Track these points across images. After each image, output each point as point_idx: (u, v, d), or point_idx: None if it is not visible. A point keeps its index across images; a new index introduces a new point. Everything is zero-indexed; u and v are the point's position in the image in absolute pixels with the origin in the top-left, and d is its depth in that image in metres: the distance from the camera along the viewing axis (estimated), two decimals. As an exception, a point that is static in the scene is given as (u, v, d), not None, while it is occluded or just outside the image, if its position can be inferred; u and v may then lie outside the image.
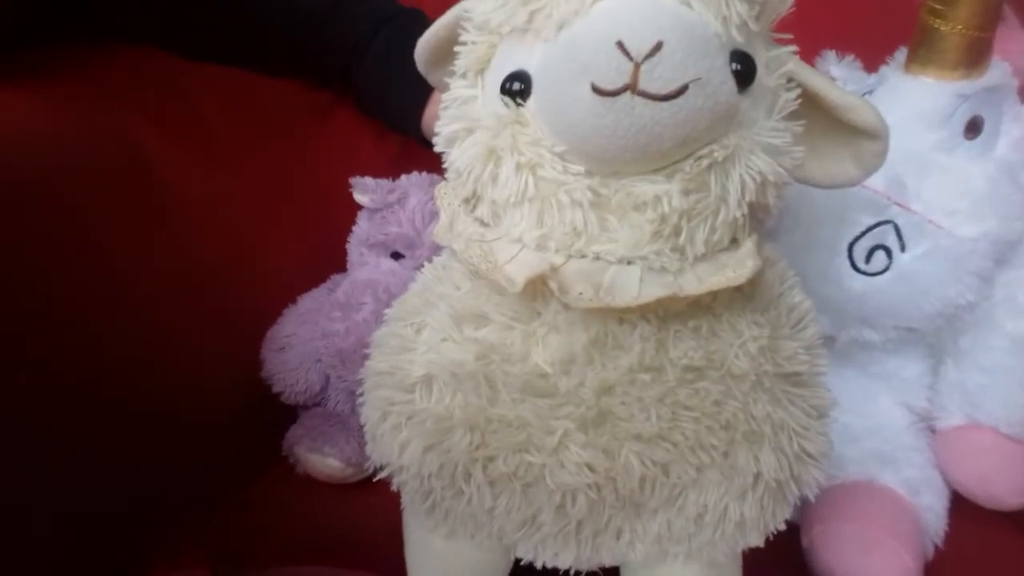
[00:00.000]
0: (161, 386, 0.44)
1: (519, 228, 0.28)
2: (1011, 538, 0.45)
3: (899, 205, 0.41)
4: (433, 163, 0.61)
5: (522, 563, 0.34)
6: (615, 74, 0.24)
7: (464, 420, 0.30)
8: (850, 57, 0.46)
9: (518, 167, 0.27)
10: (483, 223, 0.30)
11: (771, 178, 0.27)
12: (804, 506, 0.42)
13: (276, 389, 0.53)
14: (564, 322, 0.28)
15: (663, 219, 0.26)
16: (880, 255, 0.42)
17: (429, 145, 0.70)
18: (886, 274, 0.42)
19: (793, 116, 0.29)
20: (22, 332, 0.37)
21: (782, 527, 0.32)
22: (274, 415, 0.53)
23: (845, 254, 0.42)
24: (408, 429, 0.31)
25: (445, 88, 0.32)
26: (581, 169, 0.27)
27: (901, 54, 0.44)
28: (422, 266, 0.53)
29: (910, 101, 0.42)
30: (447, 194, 0.32)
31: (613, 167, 0.26)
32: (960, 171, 0.42)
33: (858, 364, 0.48)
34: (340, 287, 0.53)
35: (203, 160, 0.52)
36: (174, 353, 0.46)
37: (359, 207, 0.55)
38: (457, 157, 0.30)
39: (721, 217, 0.27)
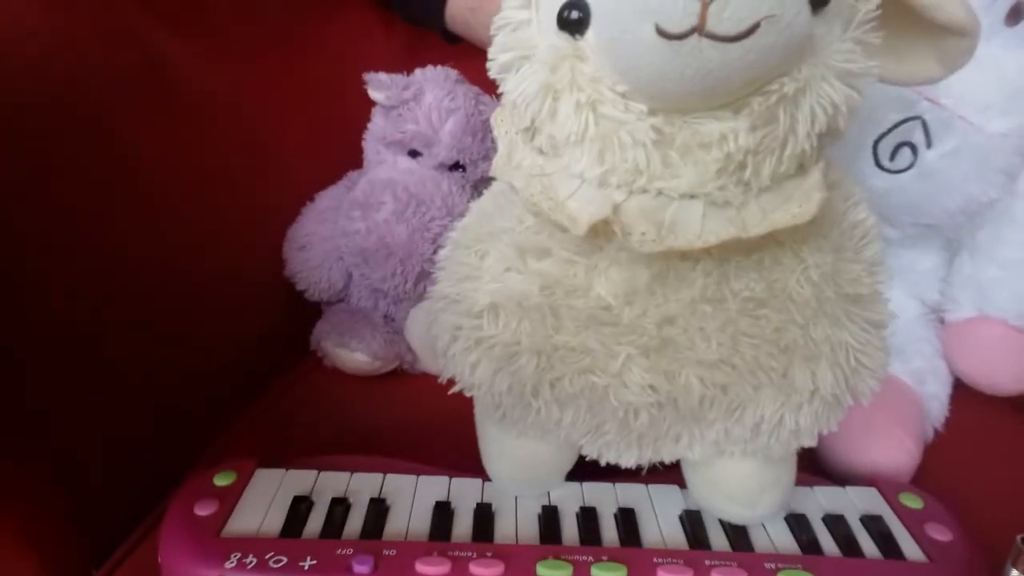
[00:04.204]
0: (188, 288, 0.45)
1: (580, 165, 0.27)
2: (1008, 420, 0.47)
3: (929, 100, 0.40)
4: (446, 54, 0.59)
5: (587, 458, 0.37)
6: (682, 15, 0.22)
7: (530, 347, 0.31)
8: None
9: (578, 105, 0.26)
10: (542, 152, 0.30)
11: (843, 108, 0.26)
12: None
13: (300, 287, 0.54)
14: (626, 258, 0.29)
15: (728, 157, 0.26)
16: (905, 152, 0.41)
17: (453, 40, 0.65)
18: (909, 171, 0.41)
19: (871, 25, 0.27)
20: (45, 239, 0.37)
21: (835, 429, 0.34)
22: (301, 311, 0.55)
23: (870, 151, 0.41)
24: (477, 352, 0.33)
25: None
26: (643, 108, 0.25)
27: None
28: (440, 164, 0.52)
29: None
30: (504, 121, 0.31)
31: (677, 106, 0.25)
32: (995, 62, 0.39)
33: (873, 256, 0.48)
34: (358, 185, 0.53)
35: (214, 57, 0.50)
36: (199, 253, 0.47)
37: (373, 102, 0.54)
38: (513, 88, 0.28)
39: (788, 150, 0.26)
